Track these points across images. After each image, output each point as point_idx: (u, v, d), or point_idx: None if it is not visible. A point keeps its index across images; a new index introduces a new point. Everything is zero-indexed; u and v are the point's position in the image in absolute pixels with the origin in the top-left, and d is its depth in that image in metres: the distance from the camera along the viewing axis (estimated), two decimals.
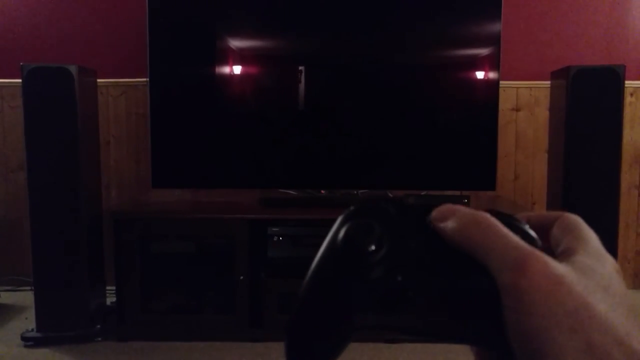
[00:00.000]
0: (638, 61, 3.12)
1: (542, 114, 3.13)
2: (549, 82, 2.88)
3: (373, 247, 0.26)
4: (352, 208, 0.28)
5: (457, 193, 2.80)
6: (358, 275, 0.26)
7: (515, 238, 0.26)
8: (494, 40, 2.72)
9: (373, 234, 0.26)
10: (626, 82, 2.54)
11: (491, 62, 2.73)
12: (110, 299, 2.78)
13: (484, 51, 2.76)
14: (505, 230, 0.26)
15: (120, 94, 3.20)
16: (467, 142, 2.82)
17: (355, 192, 2.83)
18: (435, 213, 0.28)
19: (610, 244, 2.53)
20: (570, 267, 0.25)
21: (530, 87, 3.16)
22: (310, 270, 0.27)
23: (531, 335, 0.24)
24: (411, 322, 0.27)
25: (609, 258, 0.27)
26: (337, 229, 0.27)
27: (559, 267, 0.25)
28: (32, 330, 2.54)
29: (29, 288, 2.89)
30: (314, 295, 0.27)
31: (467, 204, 2.64)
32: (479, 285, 0.26)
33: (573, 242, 0.27)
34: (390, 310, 0.26)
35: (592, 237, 0.28)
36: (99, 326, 2.58)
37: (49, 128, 2.48)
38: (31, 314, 2.60)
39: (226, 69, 2.80)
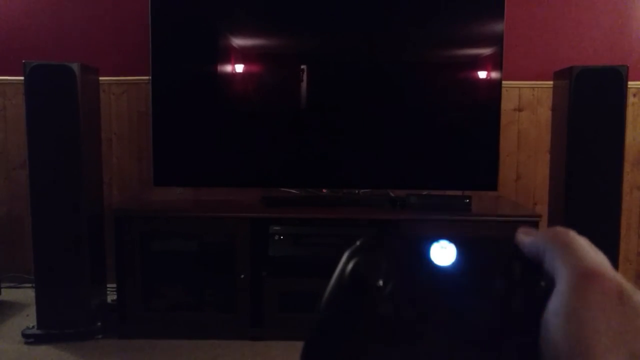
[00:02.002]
0: None
1: (545, 114, 3.13)
2: (551, 82, 2.87)
3: (381, 283, 0.26)
4: (357, 243, 0.28)
5: (459, 193, 2.80)
6: (367, 311, 0.26)
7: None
8: (496, 40, 2.72)
9: (380, 270, 0.27)
10: (629, 82, 2.54)
11: (494, 62, 2.73)
12: (112, 297, 2.78)
13: (486, 51, 2.75)
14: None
15: (123, 92, 3.20)
16: (469, 142, 2.81)
17: (357, 191, 2.83)
18: (520, 229, 0.29)
19: (612, 245, 2.53)
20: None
21: (533, 87, 3.16)
22: (320, 306, 0.27)
23: (570, 346, 0.24)
24: (424, 356, 0.27)
25: None
26: (344, 265, 0.27)
27: (628, 285, 0.26)
28: (33, 327, 2.54)
29: (30, 285, 2.90)
30: (323, 333, 0.27)
31: (469, 204, 2.65)
32: (488, 317, 0.26)
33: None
34: (402, 345, 0.26)
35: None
36: (100, 324, 2.58)
37: (51, 126, 2.48)
38: (32, 311, 2.60)
39: (228, 67, 2.80)
